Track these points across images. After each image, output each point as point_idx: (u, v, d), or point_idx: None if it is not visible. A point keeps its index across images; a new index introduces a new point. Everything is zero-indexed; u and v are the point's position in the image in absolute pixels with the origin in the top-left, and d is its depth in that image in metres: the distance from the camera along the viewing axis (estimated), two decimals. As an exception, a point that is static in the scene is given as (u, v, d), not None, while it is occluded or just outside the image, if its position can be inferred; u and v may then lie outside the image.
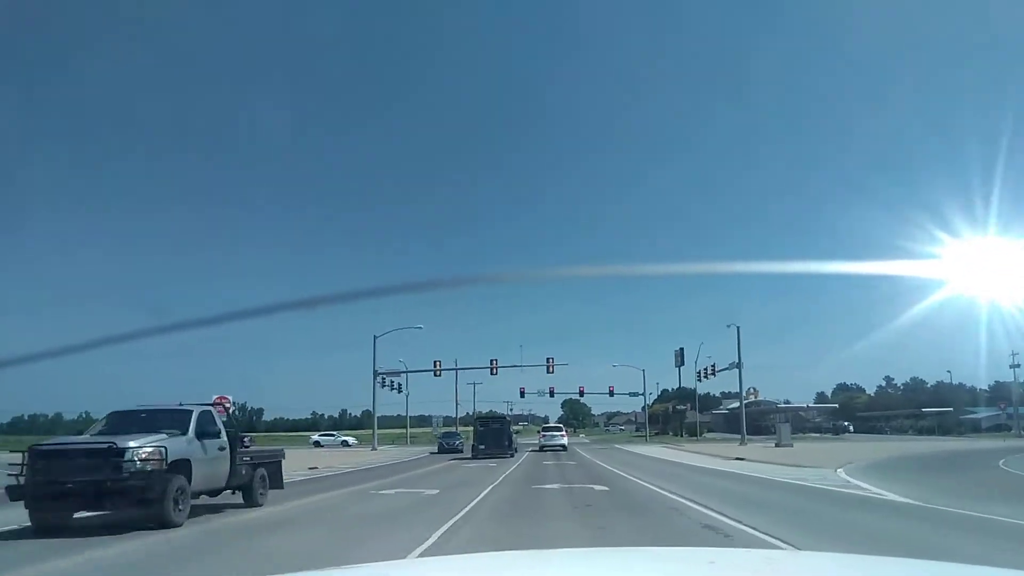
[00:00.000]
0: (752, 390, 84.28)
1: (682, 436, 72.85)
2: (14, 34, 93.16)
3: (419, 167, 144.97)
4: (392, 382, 61.71)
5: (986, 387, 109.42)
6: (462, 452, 41.93)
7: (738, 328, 49.74)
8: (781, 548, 8.14)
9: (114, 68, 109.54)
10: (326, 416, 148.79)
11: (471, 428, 43.48)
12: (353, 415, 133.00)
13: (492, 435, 37.32)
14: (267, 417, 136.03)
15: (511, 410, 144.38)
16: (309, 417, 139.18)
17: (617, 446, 56.64)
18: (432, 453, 43.79)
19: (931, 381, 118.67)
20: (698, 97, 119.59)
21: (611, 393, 68.10)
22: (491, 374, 54.29)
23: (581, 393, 68.86)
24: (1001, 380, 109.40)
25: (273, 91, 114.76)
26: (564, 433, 46.37)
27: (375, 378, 50.15)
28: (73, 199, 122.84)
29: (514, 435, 41.68)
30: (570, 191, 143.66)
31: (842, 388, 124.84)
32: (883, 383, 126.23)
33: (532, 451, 43.15)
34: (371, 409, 57.11)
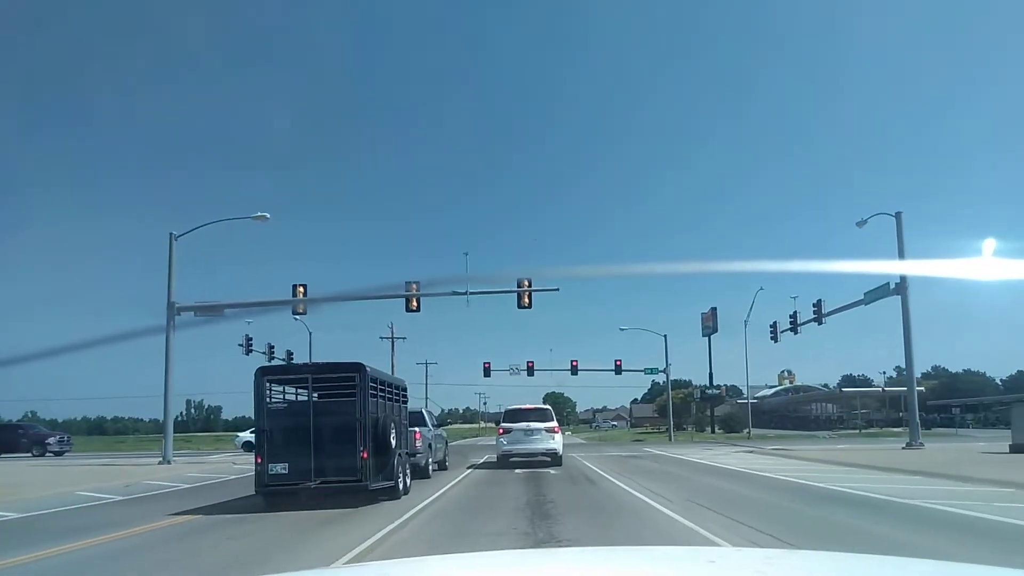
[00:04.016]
0: (787, 373, 63.76)
1: (713, 432, 51.30)
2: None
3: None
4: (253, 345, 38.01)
5: (1005, 377, 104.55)
6: None
7: (897, 216, 27.17)
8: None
9: (114, 71, 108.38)
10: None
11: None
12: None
13: (305, 431, 12.17)
14: (226, 415, 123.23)
15: (484, 404, 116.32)
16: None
17: (652, 450, 34.27)
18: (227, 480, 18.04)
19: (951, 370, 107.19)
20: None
21: (618, 369, 45.60)
22: (407, 310, 30.17)
23: (574, 369, 45.84)
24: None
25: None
26: (555, 427, 22.49)
27: (170, 321, 24.82)
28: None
29: (424, 430, 16.98)
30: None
31: (848, 380, 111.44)
32: (893, 374, 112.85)
33: (483, 467, 21.83)
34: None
